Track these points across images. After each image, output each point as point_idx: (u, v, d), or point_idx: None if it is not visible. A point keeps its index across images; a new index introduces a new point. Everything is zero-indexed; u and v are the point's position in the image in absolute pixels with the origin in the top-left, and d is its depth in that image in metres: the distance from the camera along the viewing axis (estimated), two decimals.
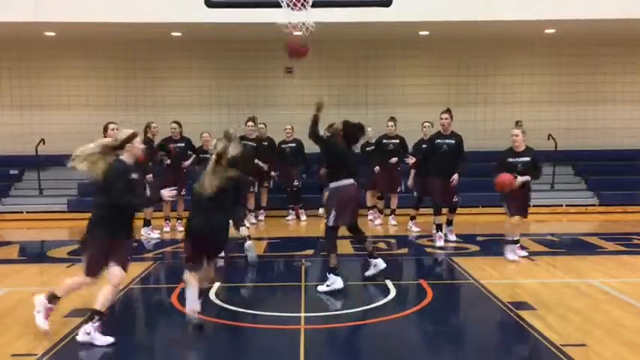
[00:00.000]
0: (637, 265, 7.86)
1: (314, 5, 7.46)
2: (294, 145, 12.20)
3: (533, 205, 13.28)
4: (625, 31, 13.74)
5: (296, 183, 12.24)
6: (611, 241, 9.69)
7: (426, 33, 13.72)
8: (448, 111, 9.35)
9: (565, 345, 4.81)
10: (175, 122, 11.00)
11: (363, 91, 15.06)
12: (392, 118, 11.47)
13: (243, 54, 14.83)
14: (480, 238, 9.94)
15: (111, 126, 8.56)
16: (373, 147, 11.58)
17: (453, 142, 9.23)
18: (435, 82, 15.06)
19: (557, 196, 13.74)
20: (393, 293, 6.47)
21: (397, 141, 11.36)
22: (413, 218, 10.79)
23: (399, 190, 11.50)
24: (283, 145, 12.27)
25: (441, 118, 9.24)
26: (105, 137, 7.90)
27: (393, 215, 11.47)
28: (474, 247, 9.21)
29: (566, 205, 13.47)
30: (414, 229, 10.62)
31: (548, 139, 14.28)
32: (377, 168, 11.32)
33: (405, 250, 9.27)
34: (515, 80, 15.13)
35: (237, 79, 14.96)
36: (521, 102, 15.03)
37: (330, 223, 6.70)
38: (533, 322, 5.40)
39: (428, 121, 10.70)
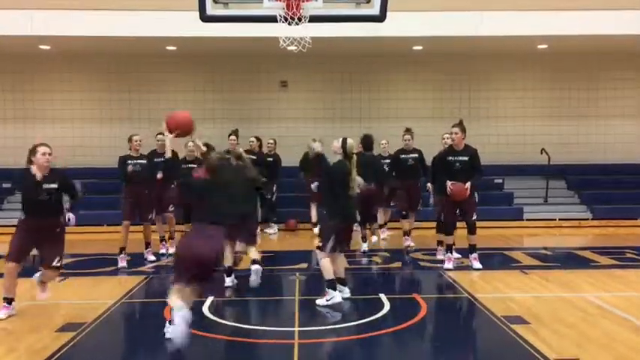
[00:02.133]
0: (630, 279, 7.87)
1: (308, 20, 7.48)
2: (271, 159, 12.13)
3: (527, 219, 13.49)
4: (617, 47, 13.88)
5: (268, 196, 11.67)
6: (605, 255, 9.70)
7: (420, 48, 13.82)
8: (460, 124, 8.46)
9: (559, 359, 4.80)
10: (161, 134, 9.53)
11: (357, 105, 15.11)
12: (408, 130, 10.36)
13: (238, 68, 14.89)
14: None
15: (135, 138, 8.85)
16: (389, 162, 10.75)
17: (466, 158, 8.30)
18: (428, 96, 15.13)
19: (551, 210, 13.78)
20: (387, 307, 6.46)
21: (416, 155, 10.34)
22: (450, 249, 8.73)
23: (419, 208, 10.55)
24: (268, 159, 12.13)
25: (451, 133, 8.45)
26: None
27: (385, 229, 11.40)
28: (468, 261, 9.19)
29: (560, 219, 13.51)
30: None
31: (542, 153, 14.35)
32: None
33: (398, 264, 9.26)
34: (509, 95, 15.22)
35: (232, 93, 14.99)
36: (514, 117, 15.12)
37: None
38: (526, 336, 5.39)
39: (448, 133, 9.05)
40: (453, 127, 8.44)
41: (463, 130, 8.37)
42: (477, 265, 8.47)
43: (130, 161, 9.19)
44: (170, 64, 14.72)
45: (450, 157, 8.42)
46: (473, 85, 15.15)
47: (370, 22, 8.46)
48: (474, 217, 8.47)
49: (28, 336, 5.54)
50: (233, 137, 10.92)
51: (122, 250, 9.08)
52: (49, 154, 6.39)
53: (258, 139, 12.07)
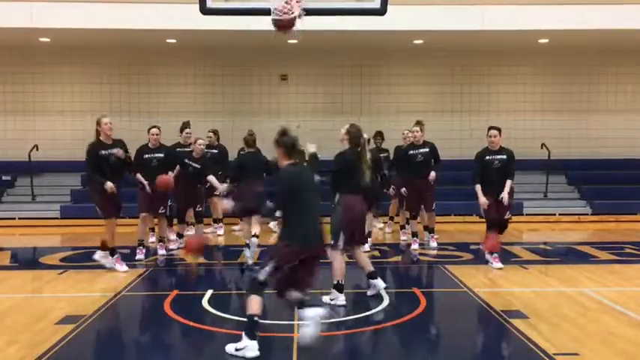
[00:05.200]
0: (629, 274, 7.88)
1: (307, 13, 7.46)
2: (215, 151, 11.21)
3: (526, 214, 13.49)
4: (618, 42, 13.85)
5: None
6: (604, 250, 9.72)
7: (421, 42, 13.78)
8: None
9: (558, 354, 4.81)
10: (156, 127, 9.24)
11: (357, 99, 15.09)
12: (418, 122, 9.66)
13: (238, 61, 14.86)
14: (473, 247, 9.93)
15: (104, 120, 7.90)
16: (390, 158, 10.88)
17: (505, 157, 8.25)
18: (428, 90, 15.11)
19: (550, 205, 13.78)
20: (386, 301, 6.46)
21: (427, 149, 9.53)
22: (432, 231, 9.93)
23: (434, 208, 9.76)
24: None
25: (490, 136, 8.31)
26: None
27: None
28: (468, 256, 9.22)
29: (559, 214, 13.51)
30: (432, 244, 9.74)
31: (542, 148, 14.35)
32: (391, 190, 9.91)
33: (398, 258, 9.27)
34: (509, 89, 15.20)
35: (232, 86, 14.98)
36: (514, 111, 15.09)
37: None
38: (526, 330, 5.40)
39: (408, 131, 9.96)
40: (414, 126, 9.60)
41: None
42: (498, 264, 8.15)
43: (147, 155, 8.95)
44: (170, 57, 14.69)
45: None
46: (474, 79, 15.13)
47: (371, 16, 8.44)
48: (508, 216, 8.19)
49: (28, 328, 5.54)
50: (188, 130, 10.27)
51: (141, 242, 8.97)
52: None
53: (215, 132, 11.40)
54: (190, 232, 10.44)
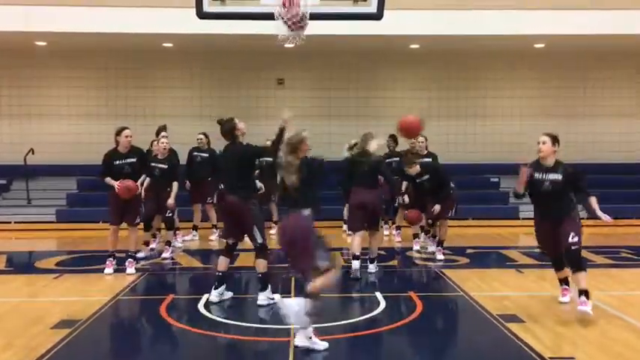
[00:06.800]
0: (625, 278, 7.90)
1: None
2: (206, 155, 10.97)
3: (523, 218, 13.48)
4: (613, 47, 13.90)
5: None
6: (600, 254, 9.74)
7: (417, 46, 13.81)
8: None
9: (554, 358, 4.81)
10: (128, 128, 8.32)
11: (354, 103, 15.11)
12: None
13: (235, 65, 14.86)
14: (469, 251, 9.95)
15: (125, 132, 8.07)
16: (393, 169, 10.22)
17: (560, 177, 6.54)
18: (425, 95, 15.12)
19: None
20: (382, 305, 6.46)
21: (429, 159, 9.39)
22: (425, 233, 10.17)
23: (450, 214, 9.22)
24: (195, 153, 11.03)
25: (538, 142, 6.77)
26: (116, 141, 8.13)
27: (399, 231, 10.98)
28: (464, 260, 9.22)
29: None
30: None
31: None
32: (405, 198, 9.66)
33: (394, 262, 9.27)
34: (505, 94, 15.23)
35: (228, 90, 14.97)
36: (511, 115, 15.14)
37: None
38: (522, 334, 5.40)
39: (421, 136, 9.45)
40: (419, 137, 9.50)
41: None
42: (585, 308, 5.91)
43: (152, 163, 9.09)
44: (167, 61, 14.69)
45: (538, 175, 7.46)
46: (470, 84, 15.16)
47: (367, 20, 8.46)
48: (575, 247, 6.34)
49: (24, 333, 5.52)
50: (164, 133, 9.81)
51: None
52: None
53: (206, 135, 11.10)
54: (154, 244, 9.86)
